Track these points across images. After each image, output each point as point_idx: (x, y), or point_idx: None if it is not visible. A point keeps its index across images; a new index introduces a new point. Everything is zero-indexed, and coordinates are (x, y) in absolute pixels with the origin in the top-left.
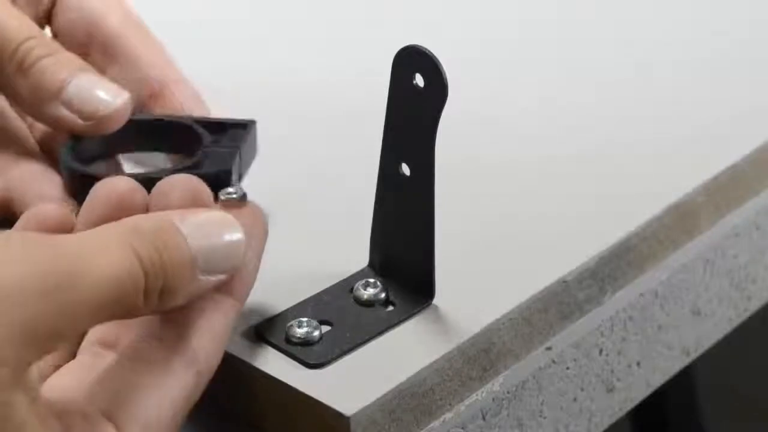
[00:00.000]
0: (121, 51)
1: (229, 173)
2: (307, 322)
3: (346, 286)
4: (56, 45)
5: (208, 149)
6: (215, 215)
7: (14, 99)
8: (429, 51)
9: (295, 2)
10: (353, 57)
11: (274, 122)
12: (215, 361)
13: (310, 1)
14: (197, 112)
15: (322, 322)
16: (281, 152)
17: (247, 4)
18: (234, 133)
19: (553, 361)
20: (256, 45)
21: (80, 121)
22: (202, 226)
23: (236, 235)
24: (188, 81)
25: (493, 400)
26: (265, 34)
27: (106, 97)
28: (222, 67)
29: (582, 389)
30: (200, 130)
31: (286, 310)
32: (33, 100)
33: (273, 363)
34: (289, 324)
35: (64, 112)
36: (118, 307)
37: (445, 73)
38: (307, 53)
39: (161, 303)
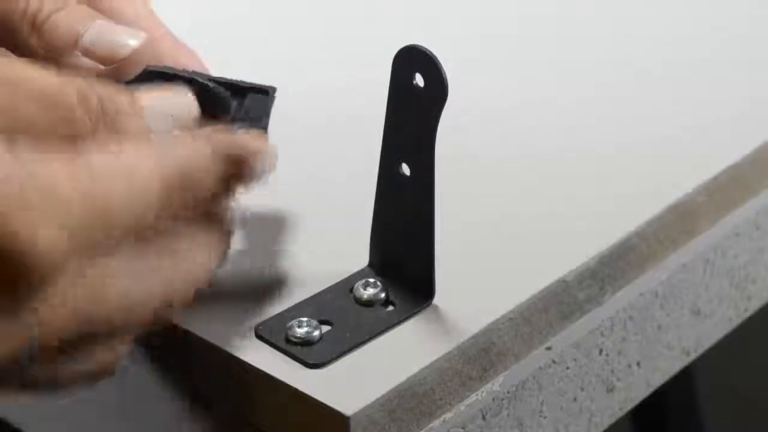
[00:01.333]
0: (106, 6)
1: None
2: (307, 322)
3: (346, 286)
4: None
5: (231, 121)
6: None
7: (31, 58)
8: (429, 51)
9: (294, 1)
10: (353, 56)
11: (274, 121)
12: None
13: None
14: (191, 65)
15: (322, 322)
16: (280, 151)
17: (246, 1)
18: (255, 99)
19: (553, 361)
20: (256, 43)
21: (101, 68)
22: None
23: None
24: (175, 35)
25: (493, 400)
26: (264, 32)
27: (123, 39)
28: (220, 64)
29: (582, 389)
30: (223, 93)
31: (286, 310)
32: (50, 56)
33: (273, 363)
34: (289, 324)
35: (84, 60)
36: (56, 107)
37: (445, 73)
38: (307, 51)
39: (103, 125)
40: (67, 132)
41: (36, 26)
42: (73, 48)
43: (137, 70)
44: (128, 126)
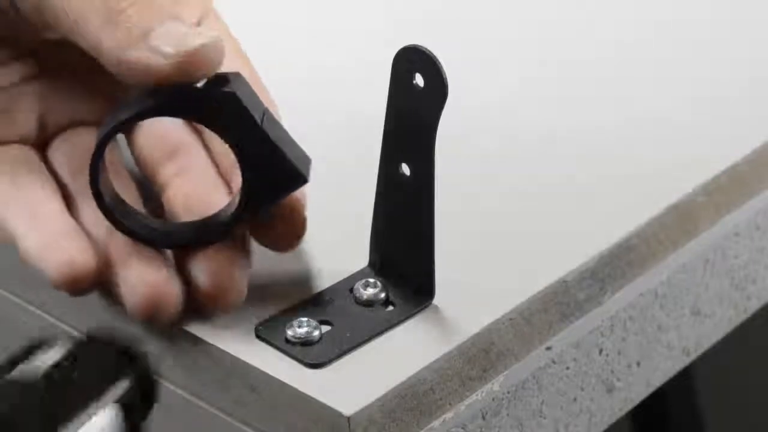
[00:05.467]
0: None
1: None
2: (307, 322)
3: (346, 286)
4: None
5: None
6: None
7: (95, 50)
8: (429, 51)
9: (293, 2)
10: (353, 56)
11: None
12: None
13: (308, 0)
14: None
15: (322, 322)
16: None
17: (246, 1)
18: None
19: (553, 361)
20: (256, 43)
21: (163, 61)
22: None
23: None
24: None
25: (493, 400)
26: (265, 32)
27: (192, 35)
28: None
29: (582, 389)
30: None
31: (286, 310)
32: (117, 47)
33: (273, 363)
34: (289, 324)
35: (147, 54)
36: None
37: (445, 73)
38: (306, 52)
39: None
40: None
41: (112, 16)
42: (141, 41)
43: (203, 72)
44: None
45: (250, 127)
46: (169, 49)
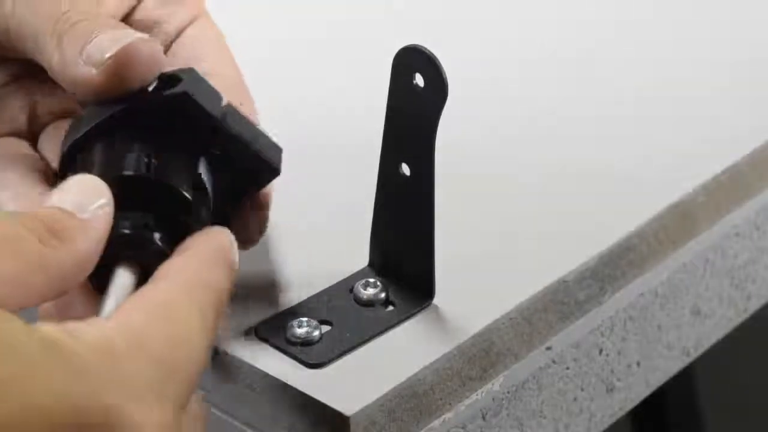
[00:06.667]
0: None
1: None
2: (307, 322)
3: (346, 286)
4: (94, 12)
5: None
6: None
7: (50, 72)
8: (429, 51)
9: (294, 2)
10: (353, 56)
11: (273, 122)
12: None
13: (308, 1)
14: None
15: (322, 322)
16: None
17: (242, 3)
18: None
19: (553, 361)
20: (255, 43)
21: (94, 71)
22: None
23: None
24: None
25: (493, 400)
26: (263, 32)
27: (118, 37)
28: None
29: (582, 389)
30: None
31: (286, 310)
32: (61, 66)
33: (273, 363)
34: (289, 324)
35: (82, 68)
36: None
37: (445, 73)
38: (307, 51)
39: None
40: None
41: (59, 37)
42: (77, 56)
43: (138, 72)
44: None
45: (210, 126)
46: (98, 57)
